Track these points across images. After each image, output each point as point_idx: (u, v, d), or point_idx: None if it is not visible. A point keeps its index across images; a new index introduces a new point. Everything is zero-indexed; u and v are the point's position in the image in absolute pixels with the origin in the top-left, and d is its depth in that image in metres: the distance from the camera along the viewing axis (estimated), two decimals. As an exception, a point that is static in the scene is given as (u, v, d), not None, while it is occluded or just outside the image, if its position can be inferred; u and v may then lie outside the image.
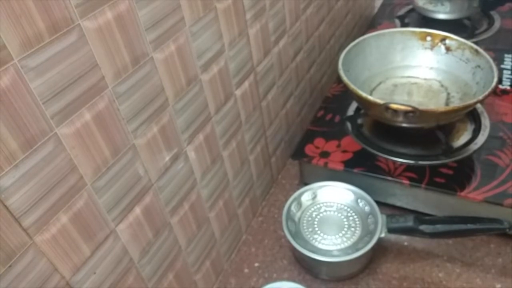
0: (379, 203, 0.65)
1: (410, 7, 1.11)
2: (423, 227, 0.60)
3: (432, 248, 0.65)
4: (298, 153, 0.74)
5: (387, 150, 0.71)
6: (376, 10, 1.20)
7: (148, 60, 0.43)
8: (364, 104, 0.70)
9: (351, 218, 0.65)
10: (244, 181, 0.68)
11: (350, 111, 0.81)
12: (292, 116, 0.83)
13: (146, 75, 0.43)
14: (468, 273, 0.61)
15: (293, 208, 0.66)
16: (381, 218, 0.62)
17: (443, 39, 0.77)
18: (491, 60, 0.69)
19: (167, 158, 0.49)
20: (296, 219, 0.66)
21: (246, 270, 0.66)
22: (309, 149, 0.74)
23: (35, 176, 0.34)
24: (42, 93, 0.33)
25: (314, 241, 0.63)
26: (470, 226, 0.59)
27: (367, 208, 0.65)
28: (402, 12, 1.11)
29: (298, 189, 0.69)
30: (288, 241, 0.62)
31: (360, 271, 0.63)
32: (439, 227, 0.60)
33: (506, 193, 0.61)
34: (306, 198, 0.68)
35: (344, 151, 0.72)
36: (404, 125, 0.66)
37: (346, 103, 0.82)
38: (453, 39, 0.76)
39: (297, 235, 0.63)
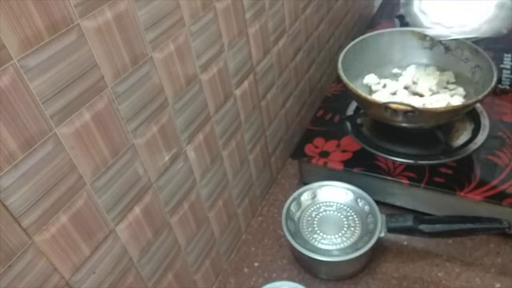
0: (378, 202, 0.65)
1: (409, 6, 1.10)
2: (422, 227, 0.60)
3: (431, 247, 0.65)
4: (298, 153, 0.74)
5: (386, 150, 0.71)
6: (375, 9, 1.20)
7: (147, 59, 0.43)
8: (364, 104, 0.70)
9: (350, 217, 0.65)
10: (243, 181, 0.68)
11: (350, 110, 0.81)
12: (292, 115, 0.83)
13: (146, 75, 0.43)
14: (467, 273, 0.61)
15: (292, 207, 0.66)
16: (380, 218, 0.62)
17: (442, 39, 0.77)
18: (490, 60, 0.69)
19: (167, 158, 0.49)
20: (296, 218, 0.66)
21: (245, 270, 0.66)
22: (308, 148, 0.74)
23: (34, 176, 0.34)
24: (41, 92, 0.33)
25: (313, 240, 0.63)
26: (469, 225, 0.59)
27: (366, 208, 0.65)
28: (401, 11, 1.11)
29: (297, 188, 0.69)
30: (288, 241, 0.62)
31: (359, 270, 0.63)
32: (439, 227, 0.60)
33: (505, 193, 0.61)
34: (305, 197, 0.68)
35: (344, 151, 0.72)
36: (404, 124, 0.66)
37: (346, 103, 0.82)
38: (453, 39, 0.76)
39: (296, 234, 0.63)
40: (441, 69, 0.77)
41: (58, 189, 0.36)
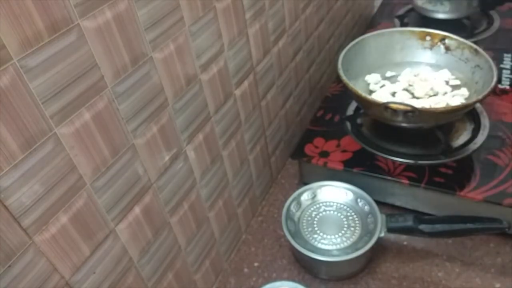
0: (378, 202, 0.65)
1: (409, 6, 1.11)
2: (422, 227, 0.60)
3: (431, 247, 0.65)
4: (298, 153, 0.74)
5: (386, 150, 0.71)
6: (375, 9, 1.20)
7: (147, 59, 0.43)
8: (364, 104, 0.70)
9: (350, 217, 0.65)
10: (243, 181, 0.68)
11: (350, 110, 0.81)
12: (292, 115, 0.83)
13: (146, 74, 0.43)
14: (467, 273, 0.61)
15: (292, 207, 0.66)
16: (380, 218, 0.62)
17: (442, 39, 0.77)
18: (490, 60, 0.69)
19: (167, 158, 0.49)
20: (296, 218, 0.66)
21: (245, 270, 0.66)
22: (308, 148, 0.74)
23: (34, 176, 0.34)
24: (41, 93, 0.33)
25: (313, 240, 0.63)
26: (469, 225, 0.59)
27: (366, 208, 0.65)
28: (401, 11, 1.11)
29: (297, 188, 0.69)
30: (288, 241, 0.62)
31: (359, 270, 0.63)
32: (439, 227, 0.60)
33: (505, 193, 0.61)
34: (305, 197, 0.68)
35: (344, 151, 0.72)
36: (404, 124, 0.66)
37: (346, 103, 0.82)
38: (453, 39, 0.76)
39: (296, 234, 0.63)
40: (440, 68, 0.77)
41: (58, 189, 0.36)
